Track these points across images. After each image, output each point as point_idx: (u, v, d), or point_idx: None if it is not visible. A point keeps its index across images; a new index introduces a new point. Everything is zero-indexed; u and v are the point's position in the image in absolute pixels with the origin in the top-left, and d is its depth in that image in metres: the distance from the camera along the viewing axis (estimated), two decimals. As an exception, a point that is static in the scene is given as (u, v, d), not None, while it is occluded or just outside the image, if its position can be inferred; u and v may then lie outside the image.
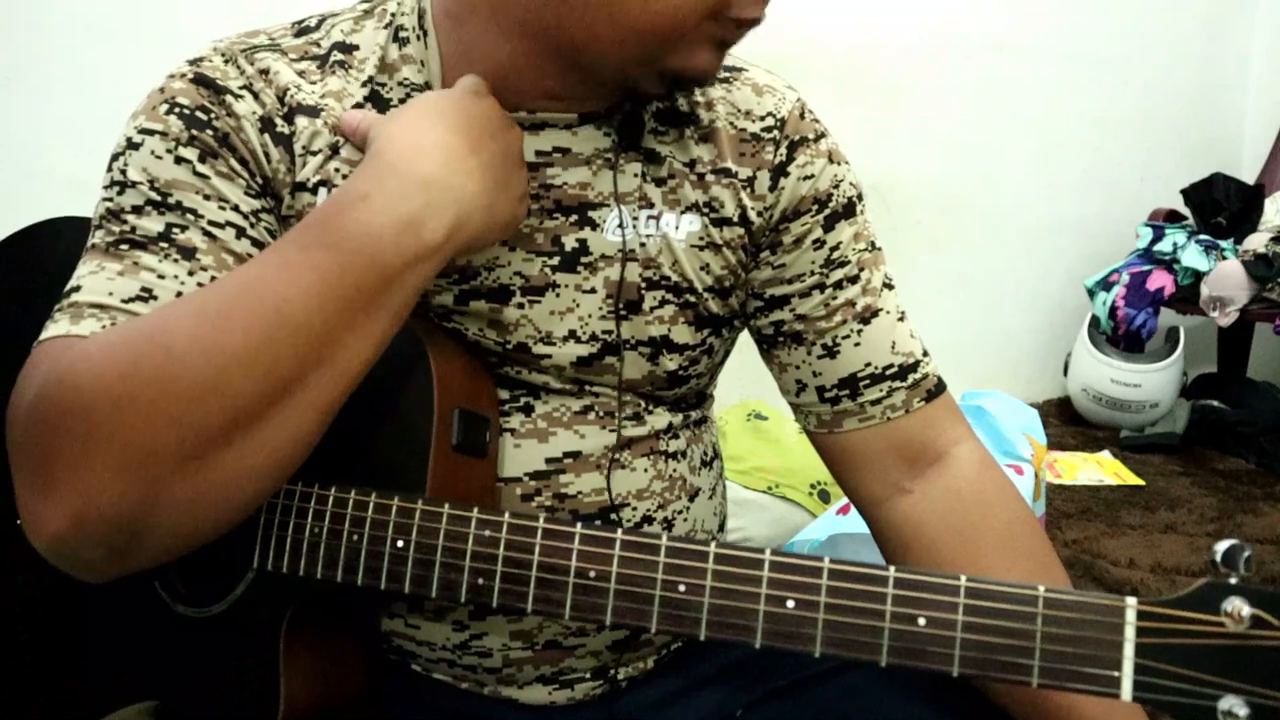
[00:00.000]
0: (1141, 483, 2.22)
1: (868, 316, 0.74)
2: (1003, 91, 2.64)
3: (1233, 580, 0.48)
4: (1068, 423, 2.67)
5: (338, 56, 0.70)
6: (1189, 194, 2.60)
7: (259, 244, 0.65)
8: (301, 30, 0.72)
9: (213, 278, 0.62)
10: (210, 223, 0.63)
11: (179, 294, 0.60)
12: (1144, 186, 2.81)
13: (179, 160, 0.64)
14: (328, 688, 0.69)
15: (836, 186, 0.74)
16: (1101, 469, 2.31)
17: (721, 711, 0.77)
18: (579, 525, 0.57)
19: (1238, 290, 2.36)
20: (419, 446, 0.64)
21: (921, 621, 0.51)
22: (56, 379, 0.53)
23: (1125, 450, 2.44)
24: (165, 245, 0.62)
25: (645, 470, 0.74)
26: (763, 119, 0.73)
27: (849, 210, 0.74)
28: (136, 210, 0.63)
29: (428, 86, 0.68)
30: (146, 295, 0.60)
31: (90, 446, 0.51)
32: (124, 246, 0.62)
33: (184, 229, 0.63)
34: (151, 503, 0.52)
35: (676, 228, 0.71)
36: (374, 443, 0.65)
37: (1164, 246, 2.55)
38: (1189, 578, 1.76)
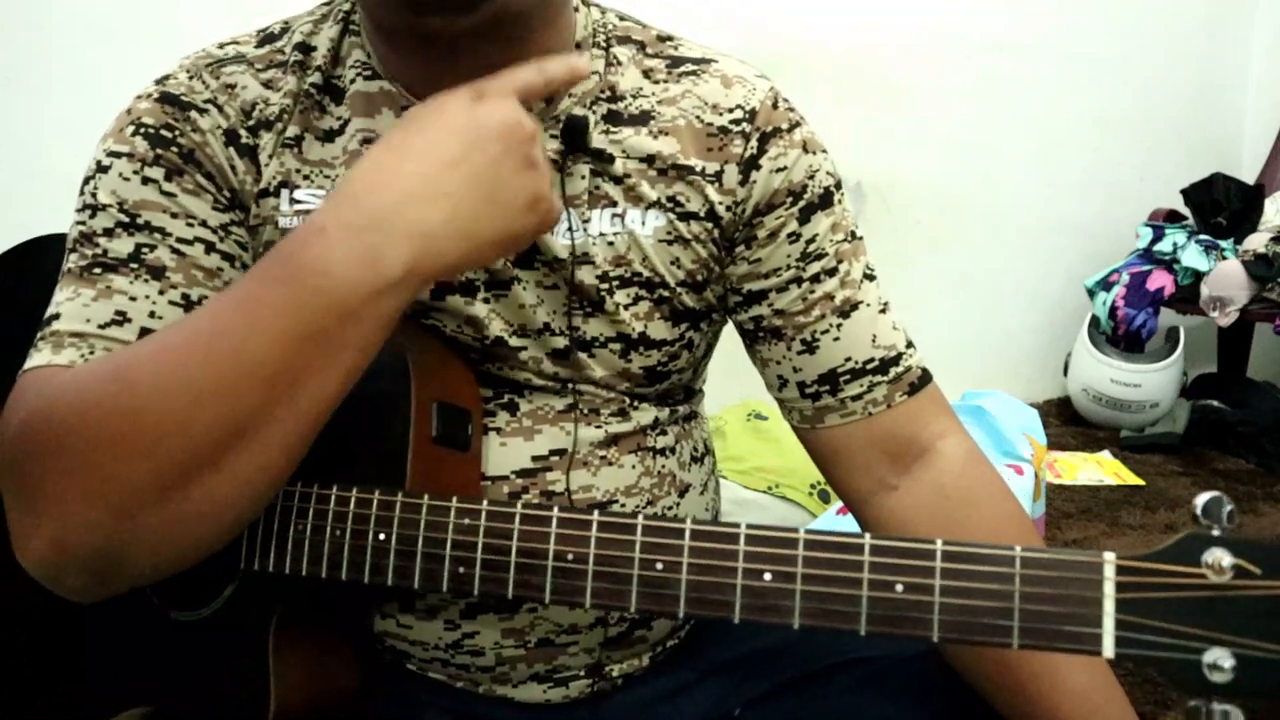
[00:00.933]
0: (1141, 483, 2.22)
1: (847, 310, 0.73)
2: (1003, 91, 2.64)
3: (1214, 532, 0.47)
4: (1068, 423, 2.67)
5: (297, 57, 0.71)
6: (1189, 194, 2.60)
7: (228, 257, 0.67)
8: (265, 39, 0.73)
9: (184, 295, 0.64)
10: (179, 240, 0.65)
11: (151, 313, 0.63)
12: (1144, 186, 2.81)
13: (145, 180, 0.66)
14: (320, 688, 0.69)
15: (811, 177, 0.72)
16: (1101, 469, 2.31)
17: (719, 710, 0.77)
18: (556, 509, 0.58)
19: (1238, 290, 2.36)
20: (398, 441, 0.64)
21: (899, 588, 0.51)
22: (36, 413, 0.56)
23: (1125, 450, 2.44)
24: (135, 266, 0.64)
25: (633, 466, 0.74)
26: (731, 111, 0.71)
27: (825, 201, 0.73)
28: (107, 233, 0.65)
29: (372, 67, 0.69)
30: (121, 319, 0.63)
31: (67, 479, 0.54)
32: (96, 270, 0.64)
33: (152, 248, 0.65)
34: (127, 532, 0.54)
35: (643, 224, 0.70)
36: (355, 440, 0.65)
37: (1164, 246, 2.55)
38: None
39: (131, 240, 0.65)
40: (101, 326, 0.62)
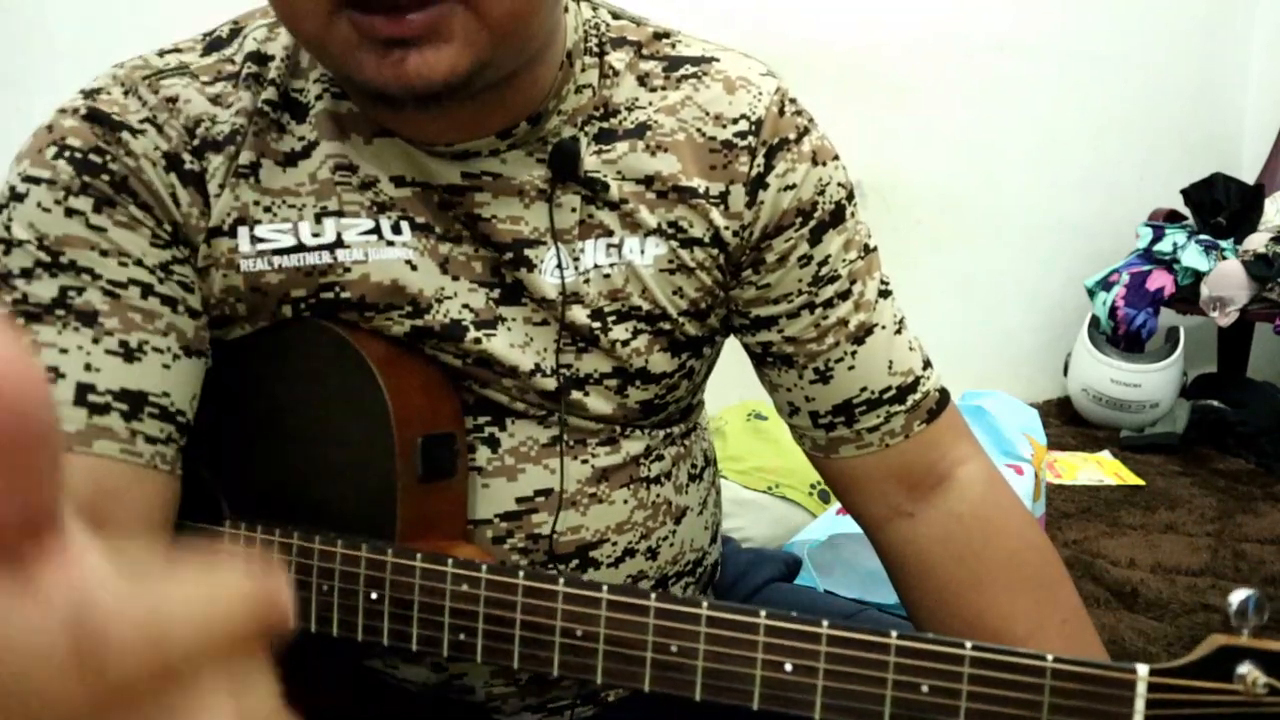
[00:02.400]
0: (1141, 483, 2.22)
1: (861, 336, 0.69)
2: (1004, 91, 2.64)
3: (1243, 638, 0.46)
4: (1068, 423, 2.66)
5: (251, 69, 0.62)
6: (1189, 194, 2.60)
7: (169, 300, 0.59)
8: (212, 45, 0.64)
9: (121, 341, 0.56)
10: (110, 282, 0.57)
11: (87, 365, 0.56)
12: (1144, 186, 2.81)
13: (70, 212, 0.57)
14: (309, 711, 0.67)
15: (822, 193, 0.67)
16: (1101, 469, 2.31)
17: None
18: (562, 581, 0.54)
19: (1238, 290, 2.36)
20: (384, 484, 0.60)
21: (925, 689, 0.49)
22: None
23: (1125, 450, 2.44)
24: (62, 313, 0.56)
25: (625, 501, 0.69)
26: (735, 122, 0.65)
27: (837, 218, 0.68)
28: (25, 274, 0.56)
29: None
30: (53, 375, 0.55)
31: None
32: (20, 320, 0.56)
33: (80, 290, 0.56)
34: None
35: (642, 253, 0.65)
36: (335, 482, 0.62)
37: (1164, 246, 2.55)
38: (1189, 577, 1.76)
39: (55, 283, 0.56)
40: None
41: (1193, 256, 2.46)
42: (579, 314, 0.65)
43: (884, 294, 0.71)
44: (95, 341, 0.56)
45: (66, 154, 0.58)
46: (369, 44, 0.52)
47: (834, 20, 2.39)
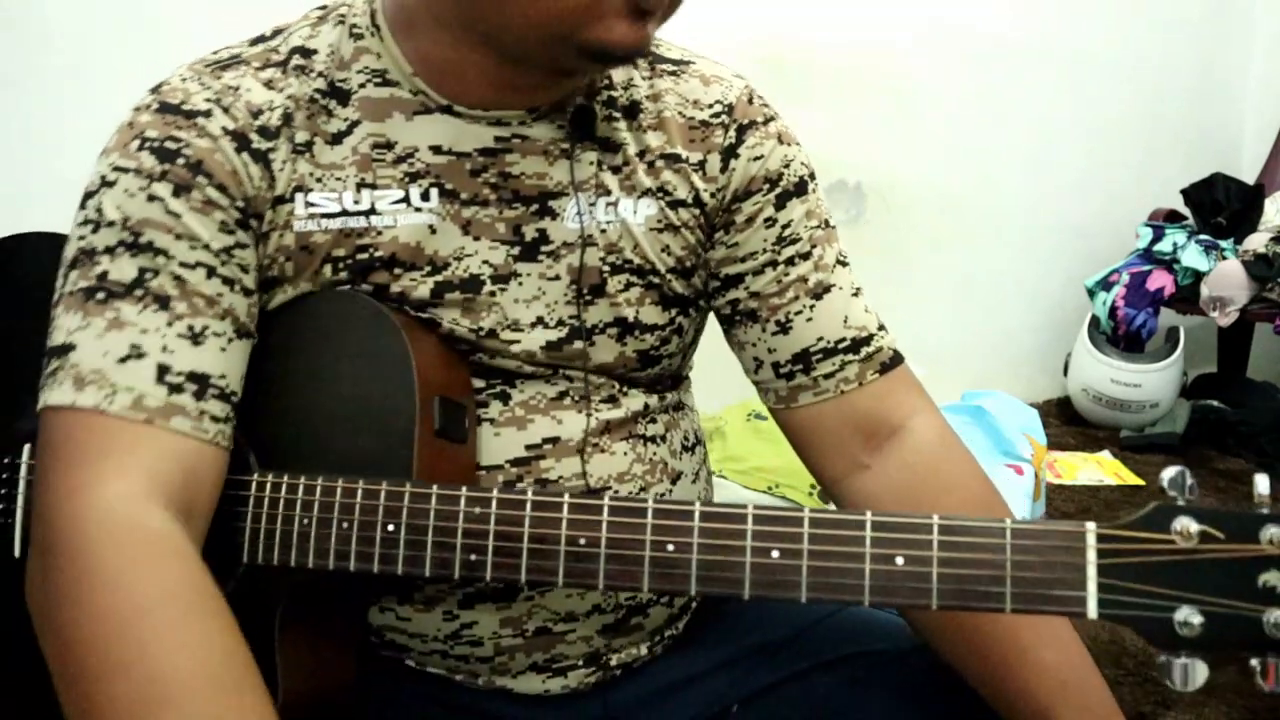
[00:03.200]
0: (1141, 483, 2.23)
1: (819, 292, 0.76)
2: (1003, 92, 2.64)
3: (1180, 503, 0.52)
4: (1068, 423, 2.67)
5: (297, 61, 0.71)
6: (1189, 194, 2.60)
7: (228, 281, 0.66)
8: (256, 40, 0.73)
9: (189, 326, 0.64)
10: (181, 264, 0.65)
11: (164, 347, 0.63)
12: (1144, 186, 2.81)
13: (151, 198, 0.65)
14: (323, 677, 0.69)
15: (787, 166, 0.76)
16: (1101, 469, 2.31)
17: (717, 704, 0.77)
18: (566, 495, 0.60)
19: (1238, 290, 2.36)
20: (403, 434, 0.65)
21: (899, 561, 0.54)
22: (56, 598, 0.58)
23: (1125, 450, 2.44)
24: (141, 294, 0.64)
25: (625, 454, 0.75)
26: (710, 106, 0.75)
27: (800, 189, 0.77)
28: (109, 251, 0.64)
29: (386, 73, 0.70)
30: (136, 353, 0.63)
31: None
32: (101, 296, 0.64)
33: (156, 274, 0.64)
34: None
35: (635, 212, 0.73)
36: (358, 433, 0.67)
37: (1164, 246, 2.55)
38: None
39: (134, 263, 0.64)
40: (120, 361, 0.62)
41: (1193, 256, 2.46)
42: (591, 257, 0.73)
43: (842, 263, 0.78)
44: (169, 325, 0.64)
45: (147, 145, 0.66)
46: (630, 13, 0.62)
47: (834, 21, 2.39)
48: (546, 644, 0.73)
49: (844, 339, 0.75)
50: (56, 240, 0.71)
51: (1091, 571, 0.52)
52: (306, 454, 0.67)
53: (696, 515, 0.57)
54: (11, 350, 0.69)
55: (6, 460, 0.77)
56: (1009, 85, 2.64)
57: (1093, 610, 0.52)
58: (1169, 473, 0.53)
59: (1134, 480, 2.24)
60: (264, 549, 0.65)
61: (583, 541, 0.59)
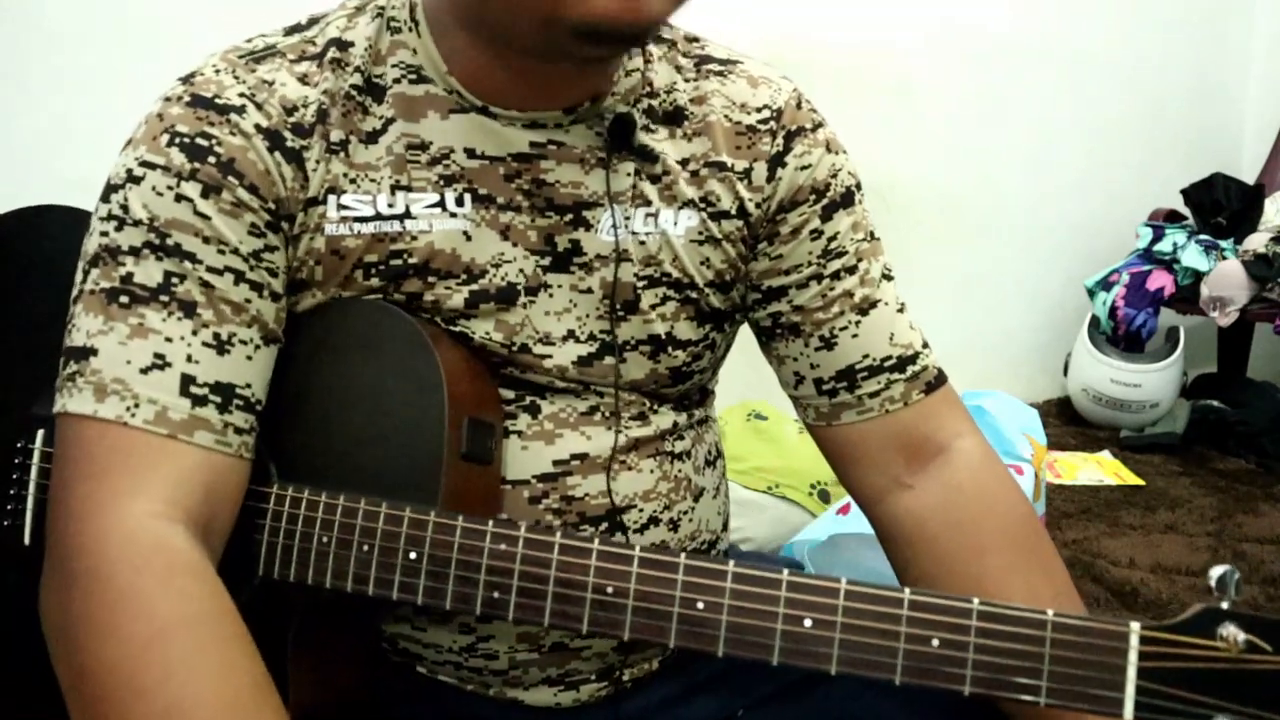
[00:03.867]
0: (1141, 483, 2.22)
1: (865, 308, 0.74)
2: (1003, 92, 2.64)
3: (1224, 605, 0.51)
4: (1068, 423, 2.66)
5: (334, 54, 0.67)
6: (1189, 194, 2.60)
7: (257, 286, 0.64)
8: (293, 30, 0.70)
9: (215, 334, 0.62)
10: (208, 269, 0.62)
11: (188, 357, 0.61)
12: (1144, 186, 2.80)
13: (180, 198, 0.62)
14: (333, 691, 0.68)
15: (834, 176, 0.74)
16: (1101, 469, 2.31)
17: (723, 712, 0.77)
18: (596, 541, 0.58)
19: (1238, 290, 2.36)
20: (431, 457, 0.63)
21: (935, 643, 0.53)
22: (76, 616, 0.57)
23: (1125, 450, 2.44)
24: (166, 299, 0.61)
25: (651, 471, 0.73)
26: (759, 110, 0.73)
27: (847, 200, 0.74)
28: (134, 252, 0.62)
29: (421, 69, 0.67)
30: (161, 363, 0.61)
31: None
32: (124, 299, 0.61)
33: (182, 279, 0.62)
34: None
35: (675, 224, 0.71)
36: (384, 452, 0.65)
37: (1164, 246, 2.54)
38: (1189, 577, 1.76)
39: (160, 267, 0.61)
40: (143, 371, 0.60)
41: (1193, 256, 2.46)
42: (625, 273, 0.70)
43: (887, 277, 0.76)
44: (194, 333, 0.62)
45: (178, 141, 0.63)
46: None
47: (834, 20, 2.39)
48: (561, 659, 0.72)
49: (890, 357, 0.73)
50: (78, 215, 0.69)
51: (1132, 673, 0.51)
52: (329, 468, 0.66)
53: (729, 576, 0.56)
54: (33, 326, 0.67)
55: (20, 444, 0.75)
56: (1009, 85, 2.64)
57: (1129, 713, 0.51)
58: (1216, 572, 0.52)
59: (1134, 480, 2.24)
60: (280, 564, 0.64)
61: (610, 590, 0.57)
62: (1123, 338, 2.54)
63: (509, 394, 0.70)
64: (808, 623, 0.54)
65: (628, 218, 0.70)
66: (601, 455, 0.71)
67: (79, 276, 0.63)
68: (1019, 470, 1.74)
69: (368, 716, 0.72)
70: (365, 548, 0.62)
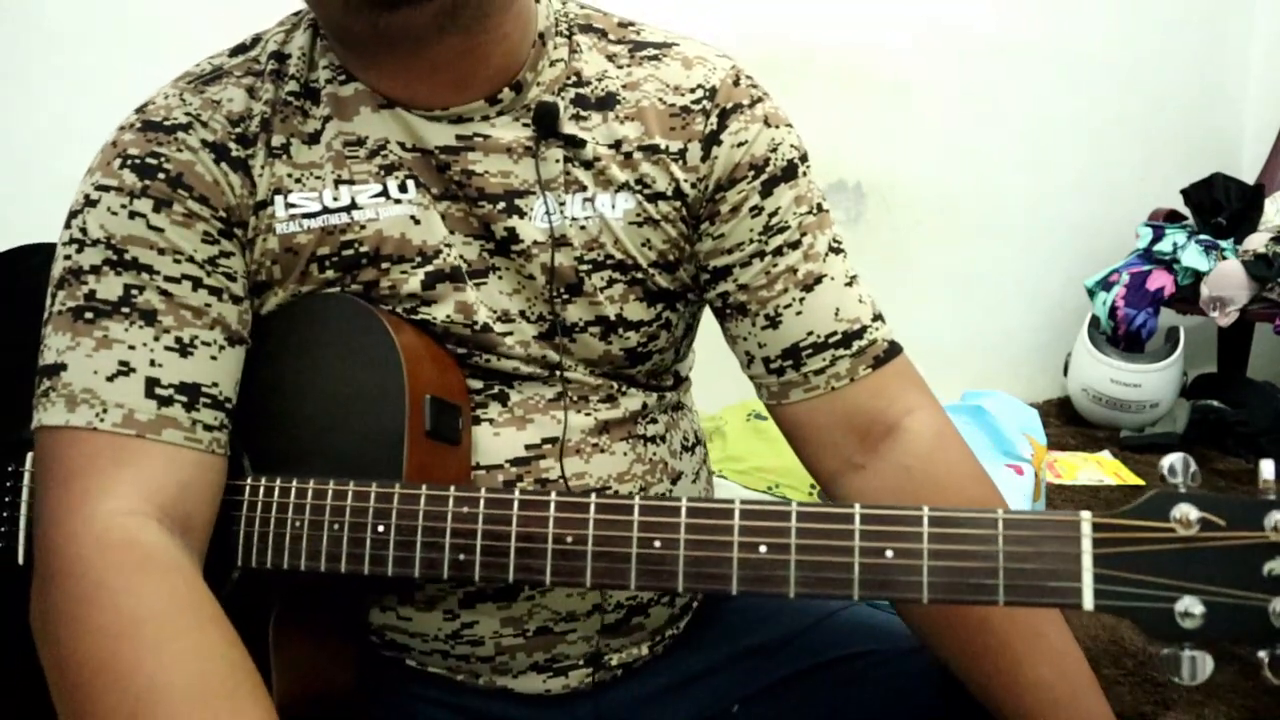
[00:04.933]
0: (1141, 483, 2.22)
1: (810, 283, 0.73)
2: (1003, 91, 2.64)
3: (1180, 489, 0.50)
4: (1068, 423, 2.66)
5: (273, 66, 0.72)
6: (1189, 194, 2.60)
7: (215, 290, 0.67)
8: (237, 50, 0.74)
9: (177, 338, 0.65)
10: (166, 278, 0.66)
11: (152, 361, 0.64)
12: (1144, 186, 2.80)
13: (133, 215, 0.65)
14: (319, 681, 0.69)
15: (774, 150, 0.73)
16: (1101, 469, 2.31)
17: (717, 704, 0.77)
18: (554, 494, 0.60)
19: (1238, 290, 2.36)
20: (393, 435, 0.65)
21: (889, 554, 0.53)
22: (57, 614, 0.59)
23: (1125, 450, 2.44)
24: (128, 310, 0.65)
25: (625, 454, 0.74)
26: (692, 91, 0.72)
27: (789, 173, 0.73)
28: (95, 270, 0.65)
29: (345, 69, 0.70)
30: (125, 369, 0.64)
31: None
32: (89, 315, 0.64)
33: (141, 290, 0.65)
34: None
35: (613, 207, 0.72)
36: (349, 435, 0.67)
37: (1164, 246, 2.54)
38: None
39: (120, 280, 0.65)
40: (109, 379, 0.63)
41: (1193, 256, 2.46)
42: (564, 257, 0.71)
43: (835, 250, 0.75)
44: (156, 339, 0.65)
45: (129, 162, 0.67)
46: None
47: (834, 20, 2.39)
48: (547, 644, 0.73)
49: (834, 332, 0.73)
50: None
51: (1087, 562, 0.51)
52: (300, 457, 0.68)
53: (683, 511, 0.56)
54: (21, 359, 0.70)
55: (11, 468, 0.77)
56: (1009, 85, 2.64)
57: (1089, 602, 0.50)
58: (1169, 459, 0.51)
59: (1134, 480, 2.24)
60: (257, 552, 0.66)
61: (570, 539, 0.58)
62: (1123, 338, 2.54)
63: (477, 384, 0.72)
64: (763, 549, 0.55)
65: (562, 204, 0.71)
66: (572, 438, 0.72)
67: (48, 301, 0.67)
68: (1019, 470, 1.74)
69: (357, 707, 0.73)
70: (336, 526, 0.63)
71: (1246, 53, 2.98)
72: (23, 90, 1.71)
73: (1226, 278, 2.37)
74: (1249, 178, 2.73)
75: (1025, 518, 0.52)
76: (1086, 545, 0.51)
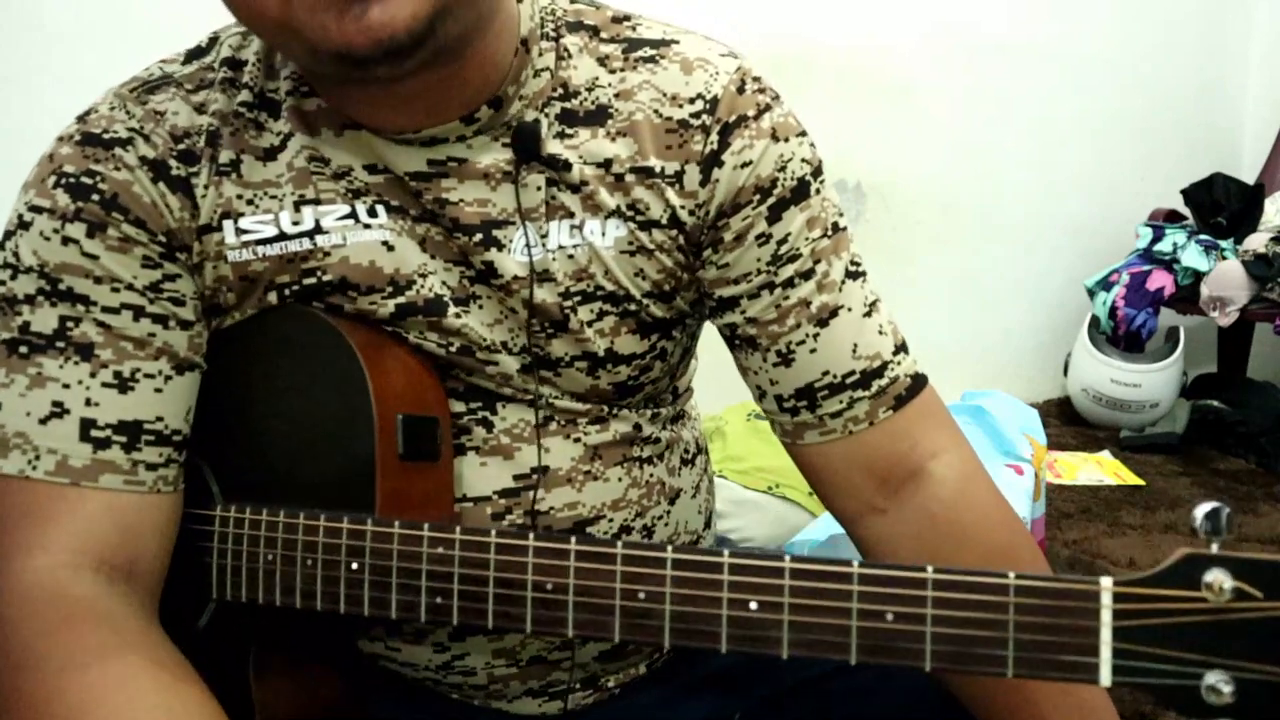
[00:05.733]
0: (1141, 483, 2.22)
1: (825, 317, 0.67)
2: (1003, 91, 2.64)
3: (1214, 548, 0.45)
4: (1068, 423, 2.66)
5: (226, 74, 0.65)
6: (1189, 194, 2.60)
7: (160, 319, 0.62)
8: (192, 55, 0.68)
9: (115, 373, 0.61)
10: (104, 309, 0.61)
11: (87, 400, 0.60)
12: (1144, 186, 2.81)
13: (66, 240, 0.60)
14: (302, 708, 0.67)
15: (782, 169, 0.65)
16: (1101, 469, 2.31)
17: (721, 713, 0.76)
18: (531, 536, 0.55)
19: (1238, 290, 2.35)
20: (365, 462, 0.61)
21: (889, 617, 0.49)
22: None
23: (1125, 450, 2.44)
24: (62, 345, 0.60)
25: (619, 479, 0.70)
26: (691, 102, 0.64)
27: (799, 194, 0.66)
28: (29, 300, 0.61)
29: (309, 82, 0.64)
30: (59, 411, 0.60)
31: None
32: (23, 349, 0.60)
33: (78, 322, 0.61)
34: None
35: (603, 234, 0.65)
36: (319, 462, 0.63)
37: (1164, 246, 2.54)
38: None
39: (54, 312, 0.60)
40: (42, 422, 0.59)
41: (1193, 256, 2.46)
42: (548, 293, 0.65)
43: (853, 275, 0.68)
44: (93, 375, 0.60)
45: (63, 181, 0.61)
46: (327, 6, 0.53)
47: (834, 20, 2.39)
48: (541, 672, 0.71)
49: (852, 372, 0.66)
50: None
51: (1106, 635, 0.46)
52: (269, 483, 0.65)
53: (669, 562, 0.52)
54: None
55: None
56: (1009, 85, 2.64)
57: (1106, 678, 0.46)
58: (1202, 510, 0.45)
59: (1134, 480, 2.24)
60: (231, 585, 0.63)
61: (550, 587, 0.54)
62: (1123, 338, 2.54)
63: (460, 406, 0.67)
64: (754, 605, 0.51)
65: (544, 235, 0.65)
66: (563, 467, 0.68)
67: None
68: (1019, 470, 1.74)
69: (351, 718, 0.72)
70: (309, 562, 0.60)
71: (1246, 52, 2.98)
72: (23, 90, 1.71)
73: (1226, 278, 2.37)
74: (1249, 177, 2.73)
75: (1040, 584, 0.47)
76: (1106, 617, 0.46)
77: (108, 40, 1.74)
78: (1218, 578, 0.45)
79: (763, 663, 0.77)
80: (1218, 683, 0.45)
